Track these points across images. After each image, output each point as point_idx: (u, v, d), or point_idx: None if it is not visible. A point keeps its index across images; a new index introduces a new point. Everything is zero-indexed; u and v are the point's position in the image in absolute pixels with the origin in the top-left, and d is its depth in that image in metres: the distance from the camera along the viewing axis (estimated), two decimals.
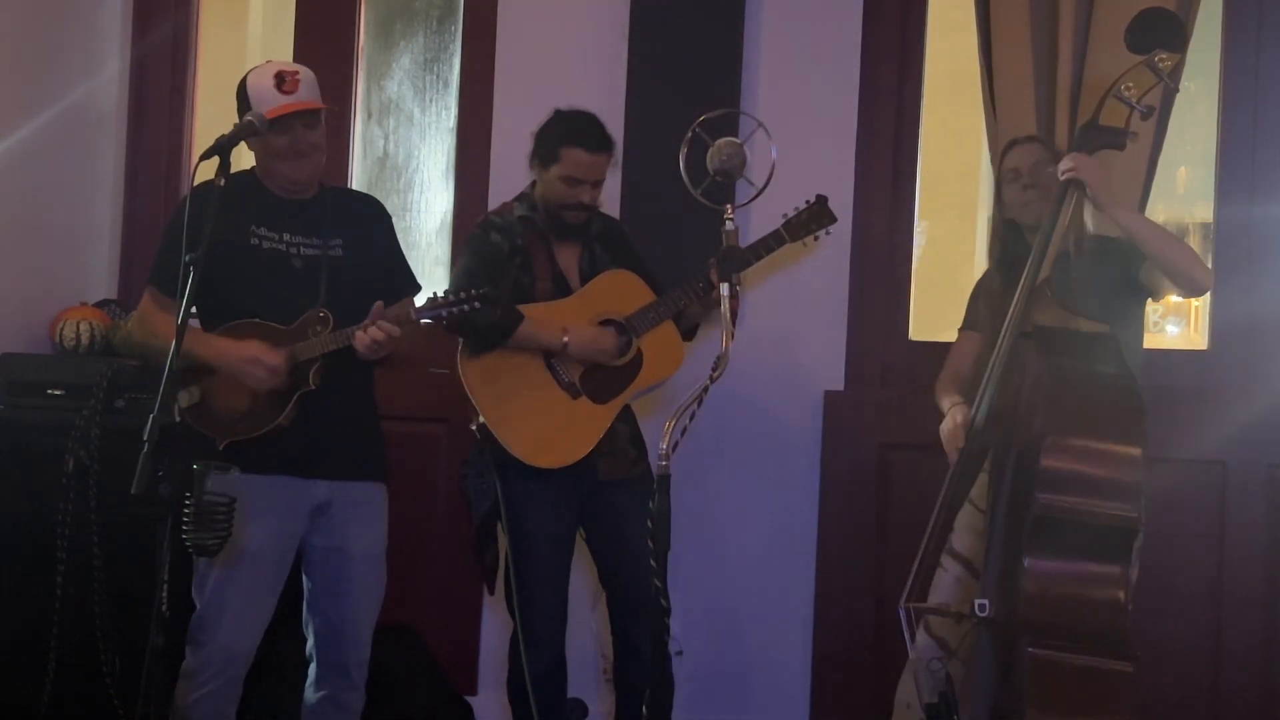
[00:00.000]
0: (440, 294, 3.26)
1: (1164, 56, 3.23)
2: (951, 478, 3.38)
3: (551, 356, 3.58)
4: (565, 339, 3.55)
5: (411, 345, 3.34)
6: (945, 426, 3.48)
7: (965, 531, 3.47)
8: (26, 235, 4.46)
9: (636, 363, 3.63)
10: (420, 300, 3.41)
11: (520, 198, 3.69)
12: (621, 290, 3.66)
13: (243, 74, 3.33)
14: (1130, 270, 3.41)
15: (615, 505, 3.60)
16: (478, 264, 3.58)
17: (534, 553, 3.55)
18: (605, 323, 3.62)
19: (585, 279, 3.67)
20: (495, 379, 3.55)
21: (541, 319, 3.56)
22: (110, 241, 4.83)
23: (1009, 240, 3.56)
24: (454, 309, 3.21)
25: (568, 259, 3.68)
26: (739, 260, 2.91)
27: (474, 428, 3.58)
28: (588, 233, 3.69)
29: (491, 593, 3.67)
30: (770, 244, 3.62)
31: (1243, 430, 3.95)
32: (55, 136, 4.52)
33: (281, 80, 3.23)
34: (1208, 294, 4.19)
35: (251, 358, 3.19)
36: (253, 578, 3.22)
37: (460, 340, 3.58)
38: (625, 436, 3.67)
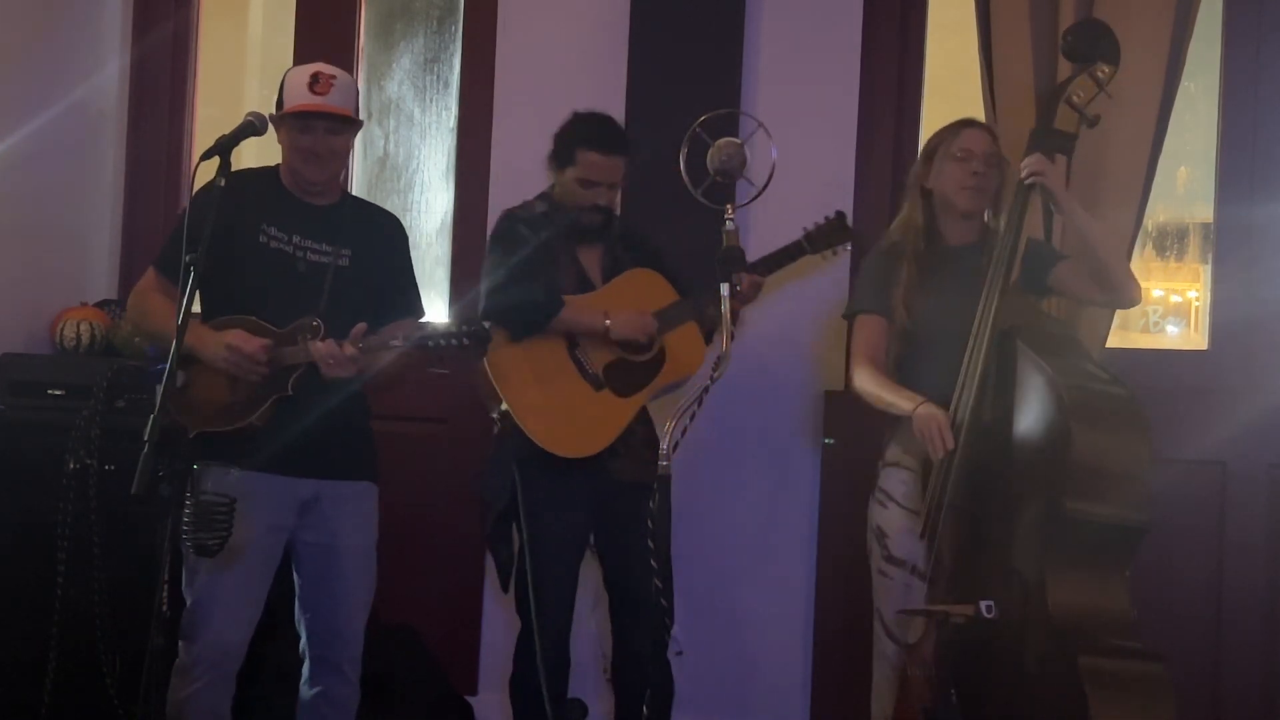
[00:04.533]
0: (435, 323, 3.23)
1: (1104, 69, 3.36)
2: (946, 482, 3.29)
3: (575, 348, 3.59)
4: (607, 321, 3.55)
5: (393, 371, 3.31)
6: (924, 413, 3.30)
7: (901, 535, 3.45)
8: (26, 235, 4.46)
9: (659, 359, 3.65)
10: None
11: (541, 197, 3.69)
12: (645, 288, 3.67)
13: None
14: (1040, 271, 3.45)
15: (628, 509, 3.55)
16: (510, 254, 3.58)
17: (549, 552, 3.54)
18: None
19: (608, 279, 3.68)
20: (519, 366, 3.55)
21: (579, 305, 3.58)
22: (110, 241, 4.83)
23: (925, 212, 3.50)
24: (441, 340, 3.17)
25: (590, 259, 3.69)
26: (739, 260, 2.91)
27: (495, 416, 3.58)
28: (609, 234, 3.69)
29: (506, 591, 3.66)
30: (792, 253, 3.66)
31: (1243, 430, 3.94)
32: (55, 136, 4.51)
33: (315, 80, 3.25)
34: (1208, 294, 4.20)
35: (230, 344, 3.17)
36: (241, 571, 3.21)
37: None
38: (640, 438, 3.66)
